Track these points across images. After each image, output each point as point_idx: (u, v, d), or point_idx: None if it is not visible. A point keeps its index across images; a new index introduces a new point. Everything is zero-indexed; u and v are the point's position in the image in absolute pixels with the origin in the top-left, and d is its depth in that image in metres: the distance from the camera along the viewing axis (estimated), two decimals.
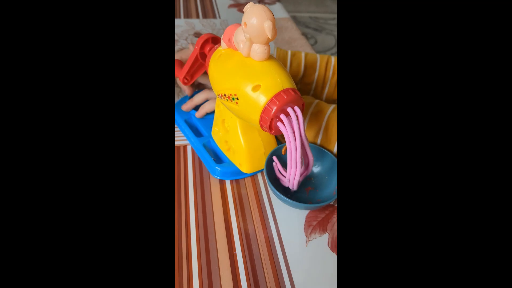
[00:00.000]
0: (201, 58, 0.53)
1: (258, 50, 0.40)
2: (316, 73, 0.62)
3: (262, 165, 0.52)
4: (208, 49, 0.52)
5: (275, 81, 0.40)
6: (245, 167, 0.52)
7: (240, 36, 0.41)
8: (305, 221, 0.48)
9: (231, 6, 1.09)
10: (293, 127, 0.40)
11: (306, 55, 0.62)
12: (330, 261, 0.43)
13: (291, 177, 0.43)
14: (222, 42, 0.46)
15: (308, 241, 0.46)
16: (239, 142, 0.50)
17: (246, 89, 0.40)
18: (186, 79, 0.56)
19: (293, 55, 0.62)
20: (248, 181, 0.53)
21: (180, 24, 0.95)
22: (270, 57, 0.42)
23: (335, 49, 1.55)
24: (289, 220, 0.48)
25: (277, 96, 0.39)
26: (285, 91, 0.39)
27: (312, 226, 0.48)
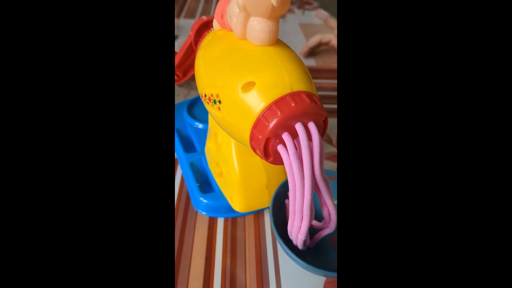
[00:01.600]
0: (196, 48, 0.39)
1: (258, 28, 0.25)
2: None
3: (262, 203, 0.37)
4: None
5: (280, 77, 0.25)
6: (237, 203, 0.36)
7: (234, 8, 0.27)
8: (323, 287, 0.33)
9: None
10: (302, 155, 0.24)
11: None
12: None
13: (294, 232, 0.27)
14: (215, 21, 0.32)
15: None
16: (233, 166, 0.35)
17: (232, 87, 0.25)
18: (177, 75, 0.43)
19: None
20: (248, 218, 0.38)
21: None
22: (277, 41, 0.27)
23: None
24: (298, 282, 0.33)
25: (280, 101, 0.24)
26: (294, 95, 0.24)
27: None
